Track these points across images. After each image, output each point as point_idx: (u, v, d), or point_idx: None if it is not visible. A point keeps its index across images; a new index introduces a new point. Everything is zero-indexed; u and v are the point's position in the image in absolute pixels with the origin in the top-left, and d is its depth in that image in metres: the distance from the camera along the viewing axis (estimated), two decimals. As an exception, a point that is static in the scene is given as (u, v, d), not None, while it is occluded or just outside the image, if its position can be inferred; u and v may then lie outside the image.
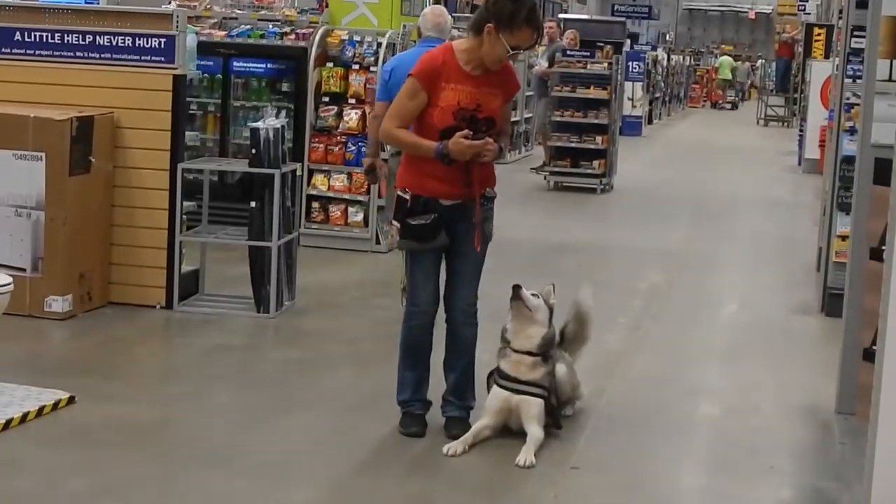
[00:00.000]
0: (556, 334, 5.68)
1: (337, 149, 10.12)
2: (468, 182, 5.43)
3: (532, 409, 5.48)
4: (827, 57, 19.01)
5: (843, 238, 7.98)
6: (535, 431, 5.43)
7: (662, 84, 31.85)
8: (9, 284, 5.71)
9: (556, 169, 15.61)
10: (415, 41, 10.57)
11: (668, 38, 51.07)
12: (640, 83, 25.19)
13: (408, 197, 5.47)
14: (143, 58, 7.79)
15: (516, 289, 5.55)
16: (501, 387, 5.54)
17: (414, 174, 5.50)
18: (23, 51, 7.93)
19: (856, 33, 7.80)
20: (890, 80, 5.90)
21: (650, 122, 28.20)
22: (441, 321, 5.68)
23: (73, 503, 4.75)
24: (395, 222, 5.53)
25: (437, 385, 5.74)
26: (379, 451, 5.49)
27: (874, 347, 4.99)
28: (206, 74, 10.26)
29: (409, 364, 5.68)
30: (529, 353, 5.52)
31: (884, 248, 5.57)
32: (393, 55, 9.97)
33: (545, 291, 5.67)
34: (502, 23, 5.35)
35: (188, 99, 8.00)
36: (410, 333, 5.65)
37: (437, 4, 10.23)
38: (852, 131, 7.85)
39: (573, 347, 6.12)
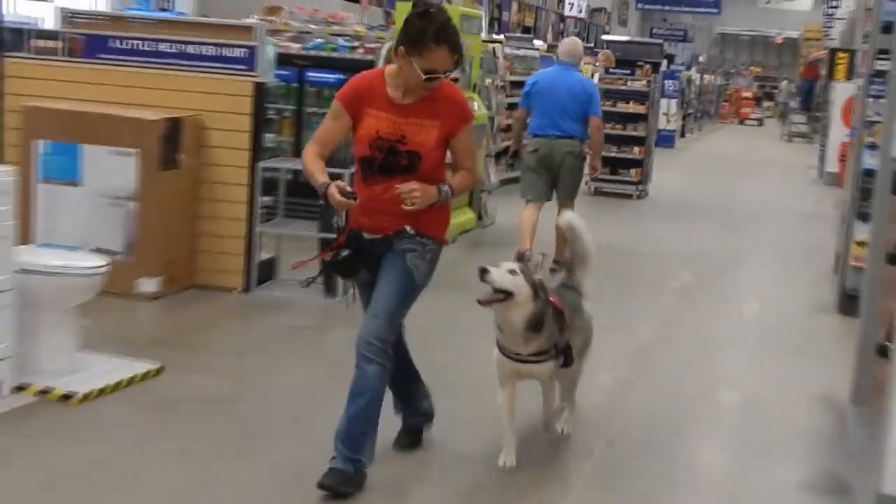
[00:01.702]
0: (543, 307, 4.77)
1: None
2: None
3: (544, 377, 4.97)
4: (849, 79, 18.83)
5: (860, 244, 7.93)
6: (554, 395, 5.15)
7: (695, 101, 31.72)
8: (107, 265, 5.81)
9: (597, 176, 15.54)
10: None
11: (700, 59, 50.71)
12: (675, 100, 25.11)
13: (341, 225, 4.67)
14: (227, 66, 7.88)
15: (483, 273, 4.59)
16: (505, 355, 4.87)
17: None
18: (123, 57, 8.05)
19: (880, 56, 7.74)
20: (912, 97, 5.86)
21: (683, 135, 28.09)
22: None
23: (159, 464, 4.81)
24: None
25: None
26: (435, 424, 5.39)
27: (887, 343, 4.99)
28: (283, 83, 10.33)
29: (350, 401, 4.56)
30: (519, 333, 4.78)
31: (900, 253, 5.56)
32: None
33: (533, 263, 4.98)
34: (411, 44, 4.34)
35: (267, 104, 8.07)
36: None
37: (573, 37, 10.56)
38: (872, 147, 7.79)
39: (580, 267, 5.46)
